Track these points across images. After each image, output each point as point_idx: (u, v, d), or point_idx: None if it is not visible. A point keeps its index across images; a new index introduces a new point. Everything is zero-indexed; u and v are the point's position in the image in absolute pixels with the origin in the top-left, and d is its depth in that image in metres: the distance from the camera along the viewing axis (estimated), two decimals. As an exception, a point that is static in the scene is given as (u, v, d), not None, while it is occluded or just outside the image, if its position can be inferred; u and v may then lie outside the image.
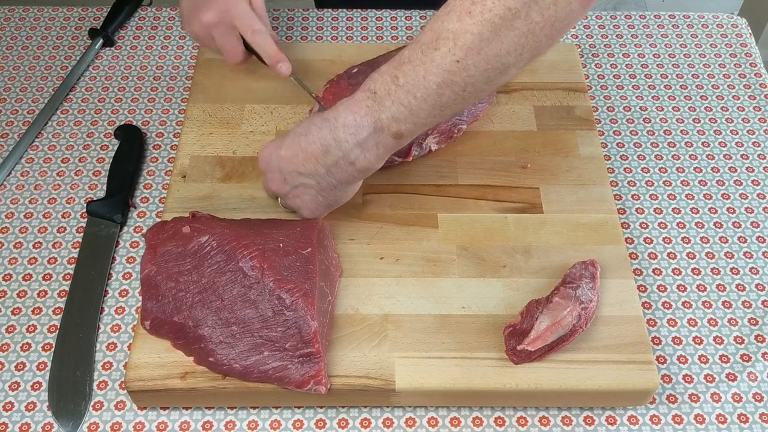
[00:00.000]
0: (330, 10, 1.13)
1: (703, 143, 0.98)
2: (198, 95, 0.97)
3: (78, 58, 1.05)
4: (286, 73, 0.90)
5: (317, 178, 0.76)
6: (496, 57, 0.66)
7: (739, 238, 0.89)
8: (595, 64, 1.07)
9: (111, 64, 1.06)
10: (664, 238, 0.88)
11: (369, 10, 1.12)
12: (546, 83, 0.98)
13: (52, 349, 0.79)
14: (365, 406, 0.76)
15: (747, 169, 0.95)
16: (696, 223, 0.90)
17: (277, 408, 0.76)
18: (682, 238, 0.89)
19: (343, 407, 0.76)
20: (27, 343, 0.80)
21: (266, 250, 0.74)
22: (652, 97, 1.03)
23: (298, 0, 1.67)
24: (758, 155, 0.97)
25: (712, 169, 0.95)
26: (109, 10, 1.10)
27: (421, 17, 1.12)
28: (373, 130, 0.72)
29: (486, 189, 0.88)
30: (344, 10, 1.13)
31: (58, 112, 1.00)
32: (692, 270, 0.86)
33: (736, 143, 0.98)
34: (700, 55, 1.08)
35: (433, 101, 0.69)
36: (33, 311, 0.82)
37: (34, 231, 0.88)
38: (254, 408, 0.76)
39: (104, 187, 0.91)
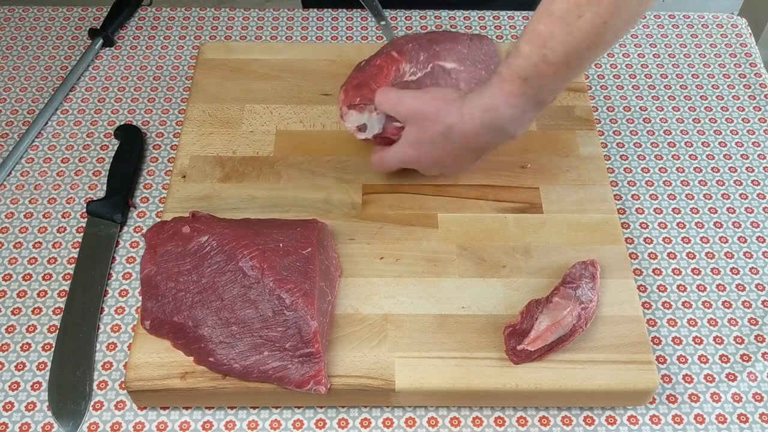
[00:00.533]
0: (330, 10, 1.13)
1: (703, 143, 0.98)
2: (198, 95, 0.97)
3: (78, 58, 1.05)
4: None
5: (475, 160, 0.83)
6: (637, 6, 0.68)
7: (739, 238, 0.89)
8: (595, 64, 1.07)
9: (111, 64, 1.06)
10: (664, 238, 0.88)
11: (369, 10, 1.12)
12: (546, 83, 0.98)
13: (52, 349, 0.79)
14: (365, 406, 0.76)
15: (747, 169, 0.95)
16: (696, 223, 0.90)
17: (277, 408, 0.76)
18: (682, 238, 0.89)
19: (343, 407, 0.76)
20: (27, 343, 0.80)
21: (266, 250, 0.74)
22: (652, 97, 1.03)
23: (298, 0, 1.67)
24: (758, 155, 0.97)
25: (712, 169, 0.95)
26: (109, 10, 1.10)
27: (421, 17, 1.12)
28: (535, 110, 0.76)
29: (486, 189, 0.88)
30: (344, 10, 1.13)
31: (58, 112, 1.00)
32: (692, 270, 0.86)
33: (736, 143, 0.98)
34: (700, 55, 1.08)
35: (584, 65, 0.73)
36: (33, 311, 0.82)
37: (34, 231, 0.88)
38: (254, 408, 0.76)
39: (104, 187, 0.91)
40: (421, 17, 1.12)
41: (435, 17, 1.12)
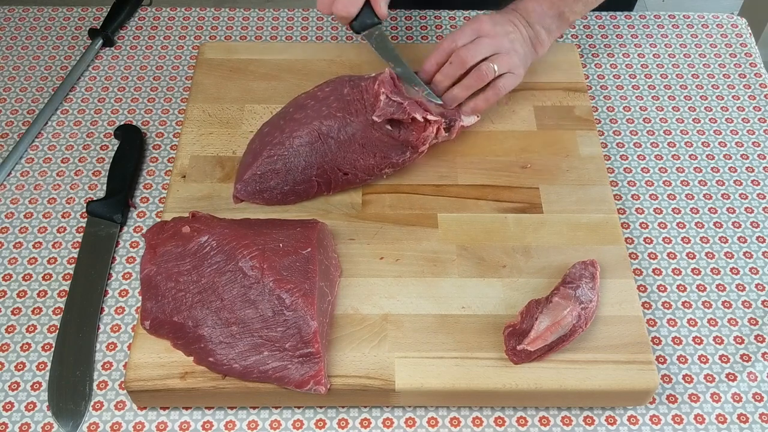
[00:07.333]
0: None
1: (703, 143, 0.98)
2: (198, 95, 0.97)
3: (78, 58, 1.05)
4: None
5: None
6: None
7: (739, 238, 0.89)
8: (595, 64, 1.07)
9: (111, 64, 1.06)
10: (664, 238, 0.88)
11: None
12: (546, 83, 0.98)
13: (52, 349, 0.79)
14: (365, 406, 0.76)
15: (747, 169, 0.95)
16: (696, 223, 0.90)
17: (277, 408, 0.76)
18: (682, 238, 0.89)
19: (343, 407, 0.76)
20: (27, 343, 0.80)
21: (266, 250, 0.74)
22: (652, 97, 1.03)
23: (298, 0, 1.67)
24: (758, 155, 0.97)
25: (712, 169, 0.95)
26: (109, 10, 1.10)
27: (421, 17, 1.12)
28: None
29: (486, 189, 0.88)
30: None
31: (58, 112, 1.00)
32: (692, 270, 0.86)
33: (736, 143, 0.98)
34: (700, 55, 1.08)
35: None
36: (33, 311, 0.82)
37: (34, 231, 0.88)
38: (254, 408, 0.76)
39: (104, 187, 0.91)
40: (421, 17, 1.12)
41: (435, 17, 1.12)
